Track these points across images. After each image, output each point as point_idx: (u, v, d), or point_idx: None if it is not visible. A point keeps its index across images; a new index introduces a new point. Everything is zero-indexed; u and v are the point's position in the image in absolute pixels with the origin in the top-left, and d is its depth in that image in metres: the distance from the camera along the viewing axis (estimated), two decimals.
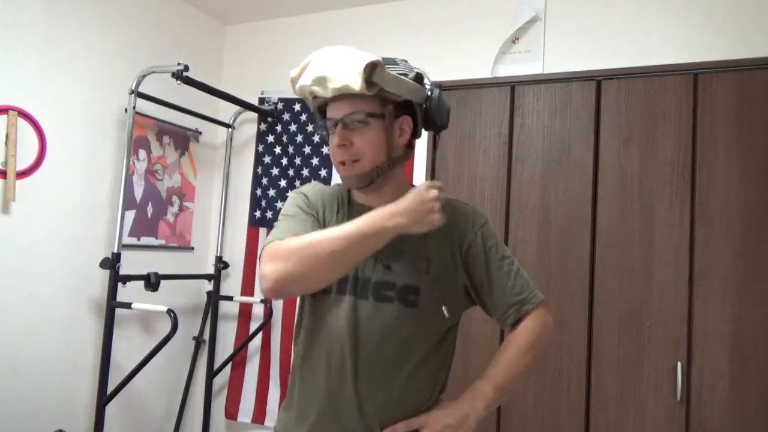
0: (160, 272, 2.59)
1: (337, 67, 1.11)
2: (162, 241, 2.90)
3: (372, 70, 1.08)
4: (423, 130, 1.26)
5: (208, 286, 3.12)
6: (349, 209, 1.25)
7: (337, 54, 1.14)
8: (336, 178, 2.94)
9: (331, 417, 1.16)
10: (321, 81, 1.12)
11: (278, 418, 1.29)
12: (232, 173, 3.19)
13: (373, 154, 1.16)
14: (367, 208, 1.22)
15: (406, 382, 1.15)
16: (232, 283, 3.13)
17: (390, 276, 1.17)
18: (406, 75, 1.16)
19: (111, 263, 2.42)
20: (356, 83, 1.08)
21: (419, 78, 1.19)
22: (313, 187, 1.30)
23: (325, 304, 1.21)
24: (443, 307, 1.20)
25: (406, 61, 1.22)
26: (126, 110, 2.55)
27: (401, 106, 1.18)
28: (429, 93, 1.22)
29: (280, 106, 3.09)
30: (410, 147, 1.25)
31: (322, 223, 1.21)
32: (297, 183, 3.01)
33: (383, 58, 1.14)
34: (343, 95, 1.13)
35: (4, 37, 2.20)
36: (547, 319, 1.24)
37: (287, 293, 1.13)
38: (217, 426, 3.07)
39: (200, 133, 3.12)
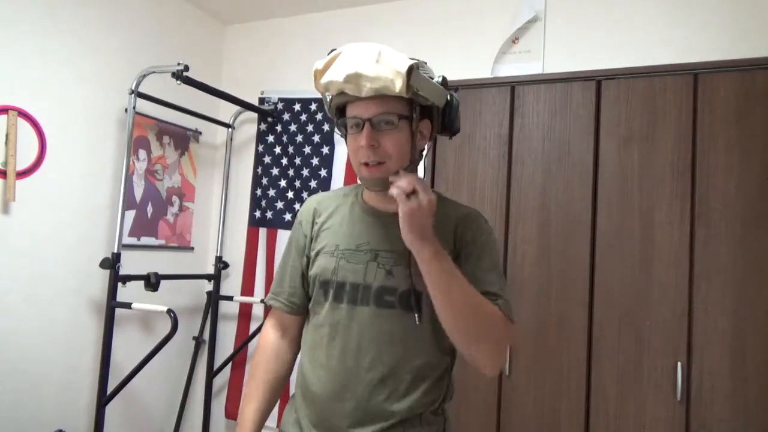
0: (160, 272, 2.59)
1: (373, 65, 1.06)
2: (162, 241, 2.90)
3: (411, 72, 1.05)
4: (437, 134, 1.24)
5: (208, 286, 3.12)
6: (358, 210, 1.26)
7: (369, 51, 1.08)
8: (336, 180, 2.94)
9: (331, 421, 1.16)
10: (355, 78, 1.07)
11: (283, 419, 1.30)
12: (232, 173, 3.19)
13: (398, 157, 1.14)
14: (377, 211, 1.23)
15: (410, 386, 1.15)
16: (232, 283, 3.13)
17: (391, 281, 1.16)
18: (431, 78, 1.14)
19: (111, 263, 2.42)
20: (397, 85, 1.05)
21: (444, 83, 1.17)
22: (309, 202, 1.33)
23: (322, 313, 1.22)
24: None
25: (426, 63, 1.19)
26: (126, 110, 2.55)
27: (423, 110, 1.16)
28: (449, 98, 1.19)
29: (280, 106, 3.09)
30: (422, 150, 1.24)
31: (314, 233, 1.27)
32: (297, 183, 3.01)
33: (409, 59, 1.11)
34: (375, 95, 1.09)
35: (5, 37, 2.20)
36: (508, 323, 1.15)
37: None
38: (217, 426, 3.07)
39: (200, 133, 3.12)
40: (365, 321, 1.16)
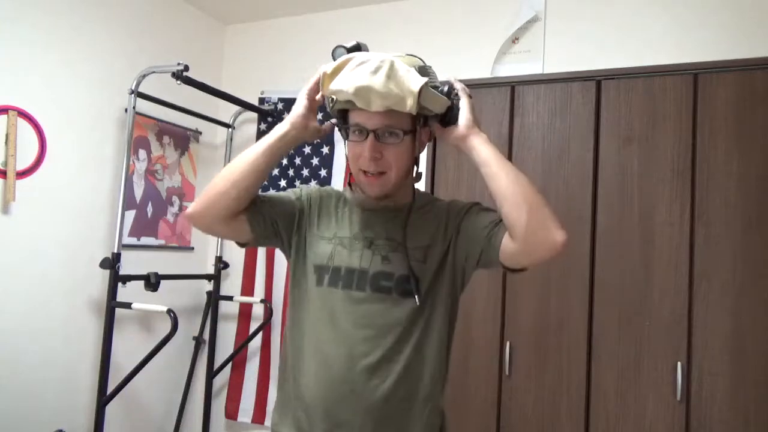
0: (160, 272, 2.59)
1: (384, 81, 1.04)
2: (162, 241, 2.90)
3: (422, 91, 1.05)
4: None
5: (208, 286, 3.12)
6: (354, 205, 1.27)
7: (381, 65, 1.05)
8: (336, 179, 2.94)
9: (329, 410, 1.16)
10: (365, 92, 1.04)
11: (272, 420, 1.28)
12: None
13: (400, 168, 1.15)
14: (372, 206, 1.24)
15: (404, 370, 1.15)
16: (232, 283, 3.13)
17: (388, 267, 1.18)
18: (437, 87, 1.14)
19: (111, 263, 2.42)
20: (408, 104, 1.05)
21: (450, 92, 1.16)
22: (317, 188, 1.34)
23: (317, 296, 1.22)
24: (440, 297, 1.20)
25: (430, 67, 1.18)
26: (126, 110, 2.55)
27: (425, 118, 1.16)
28: (452, 104, 1.18)
29: (280, 106, 3.09)
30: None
31: (312, 217, 1.27)
32: (297, 183, 3.01)
33: (419, 68, 1.11)
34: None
35: (5, 37, 2.20)
36: None
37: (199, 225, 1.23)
38: (217, 426, 3.07)
39: (200, 133, 3.12)
40: (360, 306, 1.17)
